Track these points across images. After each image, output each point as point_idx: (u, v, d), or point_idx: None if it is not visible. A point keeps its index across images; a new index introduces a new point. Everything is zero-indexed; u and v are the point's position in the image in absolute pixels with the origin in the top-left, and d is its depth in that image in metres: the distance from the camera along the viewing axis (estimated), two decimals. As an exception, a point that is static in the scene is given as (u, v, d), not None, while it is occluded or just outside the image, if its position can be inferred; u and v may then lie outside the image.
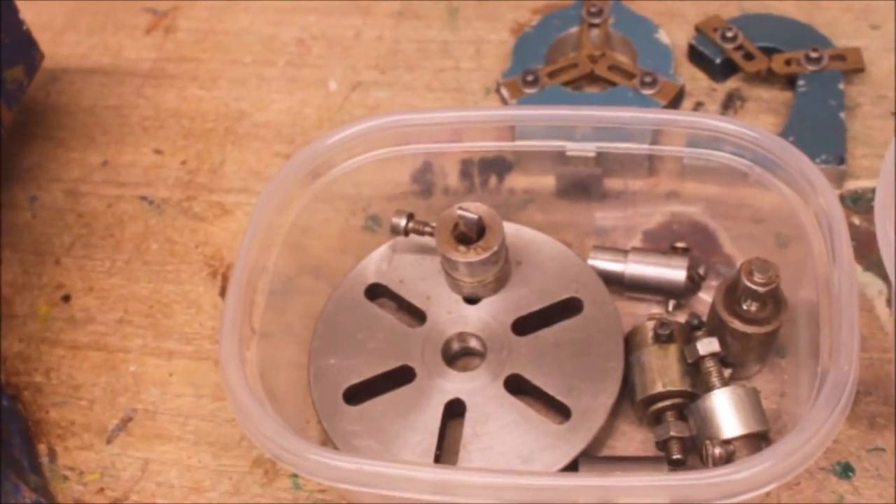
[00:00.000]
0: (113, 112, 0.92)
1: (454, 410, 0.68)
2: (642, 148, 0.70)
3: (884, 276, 0.73)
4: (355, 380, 0.69)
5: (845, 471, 0.66)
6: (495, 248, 0.68)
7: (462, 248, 0.68)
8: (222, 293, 0.79)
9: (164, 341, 0.77)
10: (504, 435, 0.66)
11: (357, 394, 0.69)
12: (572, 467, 0.65)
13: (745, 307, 0.65)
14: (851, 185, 0.79)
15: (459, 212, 0.68)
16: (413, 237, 0.72)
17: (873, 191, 0.76)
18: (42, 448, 0.73)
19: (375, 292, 0.73)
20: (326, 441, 0.68)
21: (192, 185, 0.85)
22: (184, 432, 0.73)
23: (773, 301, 0.66)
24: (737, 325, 0.65)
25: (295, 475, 0.70)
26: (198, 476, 0.71)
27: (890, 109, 0.83)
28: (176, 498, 0.70)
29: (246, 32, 0.96)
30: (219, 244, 0.82)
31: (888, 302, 0.73)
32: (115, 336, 0.78)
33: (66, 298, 0.80)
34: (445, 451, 0.68)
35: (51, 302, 0.80)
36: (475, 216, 0.68)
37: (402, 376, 0.69)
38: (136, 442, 0.73)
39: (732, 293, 0.66)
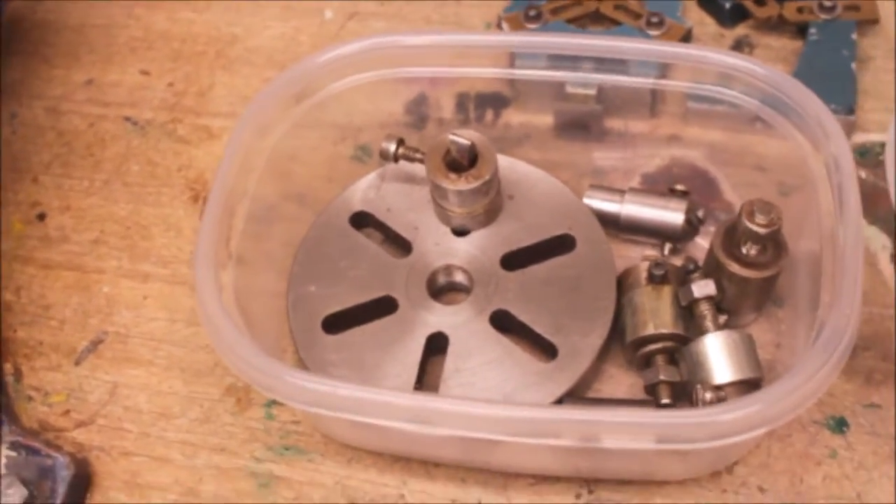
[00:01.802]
0: (101, 31, 0.89)
1: (436, 345, 0.65)
2: (647, 82, 0.68)
3: (889, 231, 0.71)
4: (335, 308, 0.66)
5: (839, 425, 0.64)
6: (487, 177, 0.65)
7: (453, 175, 0.65)
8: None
9: (140, 264, 0.75)
10: (487, 371, 0.63)
11: (336, 323, 0.66)
12: (556, 407, 0.63)
13: (744, 250, 0.63)
14: (860, 137, 0.76)
15: (451, 137, 0.65)
16: (403, 165, 0.69)
17: (882, 145, 0.75)
18: (7, 367, 0.71)
19: (361, 221, 0.71)
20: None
21: (178, 108, 0.83)
22: (155, 357, 0.70)
23: (774, 245, 0.63)
24: (735, 268, 0.63)
25: (268, 405, 0.67)
26: (167, 402, 0.68)
27: (903, 64, 0.80)
28: (144, 423, 0.68)
29: (241, -43, 0.93)
30: (202, 168, 0.79)
31: (892, 257, 0.70)
32: (89, 256, 0.75)
33: (42, 217, 0.78)
34: (425, 385, 0.65)
35: (25, 220, 0.78)
36: (468, 142, 0.65)
37: (384, 307, 0.67)
38: (105, 365, 0.70)
39: (732, 235, 0.63)
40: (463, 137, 0.65)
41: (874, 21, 0.80)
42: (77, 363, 0.70)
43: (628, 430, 0.53)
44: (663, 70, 0.67)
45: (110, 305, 0.73)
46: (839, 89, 0.76)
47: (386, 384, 0.63)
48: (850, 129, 0.75)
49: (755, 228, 0.61)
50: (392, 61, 0.69)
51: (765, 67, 0.65)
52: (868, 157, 0.75)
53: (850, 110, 0.75)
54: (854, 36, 0.79)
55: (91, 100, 0.84)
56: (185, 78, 0.84)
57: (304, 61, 0.68)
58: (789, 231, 0.63)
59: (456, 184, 0.65)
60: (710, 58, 0.66)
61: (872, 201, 0.72)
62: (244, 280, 0.63)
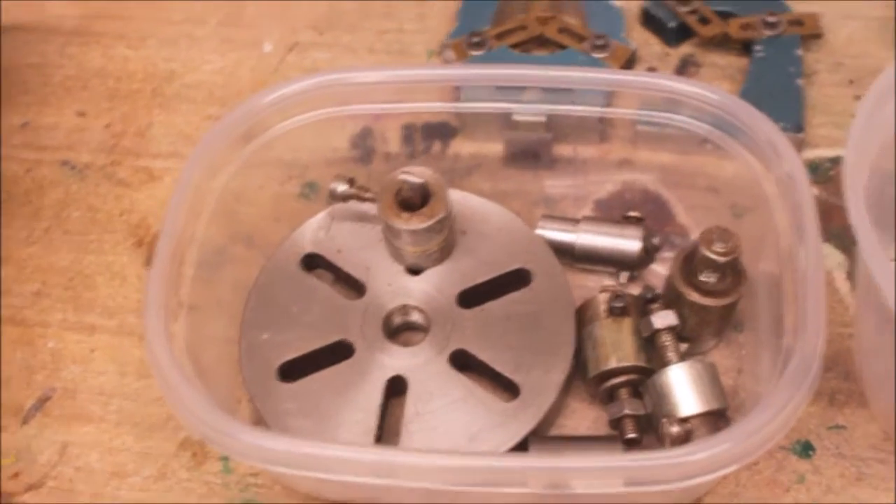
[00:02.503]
0: (34, 71, 0.86)
1: (396, 388, 0.64)
2: (594, 111, 0.67)
3: (843, 248, 0.71)
4: (290, 355, 0.65)
5: (805, 449, 0.64)
6: (441, 215, 0.64)
7: (405, 214, 0.64)
8: (148, 264, 0.74)
9: (86, 315, 0.73)
10: (449, 413, 0.62)
11: (292, 370, 0.65)
12: (521, 447, 0.61)
13: (703, 278, 0.62)
14: (809, 154, 0.76)
15: (403, 176, 0.64)
16: (353, 204, 0.68)
17: (832, 160, 0.75)
18: (-48, 429, 0.68)
19: (312, 263, 0.69)
20: (259, 421, 0.64)
21: (118, 150, 0.81)
22: (106, 412, 0.68)
23: (733, 272, 0.62)
24: (694, 297, 0.62)
25: (225, 458, 0.65)
26: (120, 459, 0.66)
27: (848, 77, 0.80)
28: (96, 483, 0.65)
29: (176, -10, 0.91)
30: (145, 212, 0.77)
31: (847, 275, 0.70)
32: (32, 310, 0.73)
33: (-20, 269, 0.75)
34: (386, 431, 0.64)
35: (-37, 273, 0.75)
36: (420, 181, 0.64)
37: (340, 351, 0.65)
38: (53, 423, 0.68)
39: (690, 264, 0.63)
40: (414, 175, 0.64)
41: (818, 35, 0.80)
42: (25, 422, 0.68)
43: (596, 475, 0.52)
44: (610, 97, 0.67)
45: (56, 360, 0.71)
46: (787, 107, 0.75)
47: (345, 432, 0.62)
48: (799, 147, 0.75)
49: (714, 257, 0.60)
50: (337, 99, 0.68)
51: (712, 90, 0.64)
52: (819, 173, 0.74)
53: (799, 127, 0.74)
54: (799, 51, 0.79)
55: (27, 144, 0.82)
56: (122, 118, 0.82)
57: (250, 101, 0.67)
58: (746, 252, 0.62)
59: (409, 223, 0.64)
60: (656, 84, 0.66)
61: (826, 218, 0.71)
62: (196, 328, 0.61)
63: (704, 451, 0.51)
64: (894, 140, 0.61)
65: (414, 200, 0.64)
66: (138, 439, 0.67)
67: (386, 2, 0.88)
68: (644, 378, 0.62)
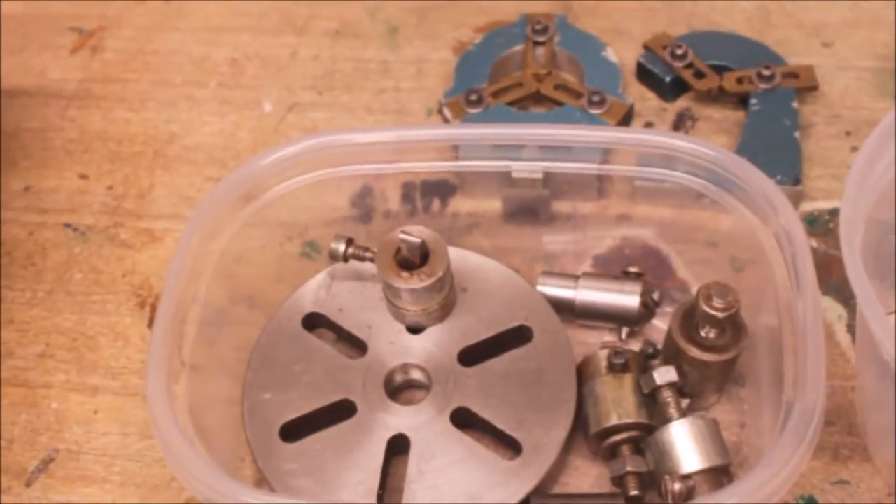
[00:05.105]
0: (35, 135, 0.87)
1: (398, 447, 0.64)
2: (592, 168, 0.67)
3: (843, 300, 0.71)
4: (292, 415, 0.65)
5: (809, 505, 0.64)
6: (440, 273, 0.64)
7: (405, 274, 0.65)
8: (151, 325, 0.74)
9: (89, 376, 0.73)
10: (451, 472, 0.62)
11: (294, 430, 0.65)
12: (524, 506, 0.61)
13: (703, 334, 0.62)
14: (807, 206, 0.76)
15: (402, 236, 0.64)
16: (353, 263, 0.68)
17: (830, 212, 0.75)
18: (-44, 494, 0.68)
19: (313, 322, 0.69)
20: (262, 481, 0.64)
21: (119, 211, 0.81)
22: (109, 473, 0.68)
23: (733, 327, 0.63)
24: (695, 352, 0.62)
25: (229, 518, 0.65)
26: (124, 521, 0.66)
27: (844, 129, 0.80)
28: (100, 545, 0.66)
29: (176, 53, 0.92)
30: (147, 273, 0.77)
31: (848, 327, 0.70)
32: (35, 371, 0.73)
33: (-16, 332, 0.76)
34: (389, 490, 0.64)
35: (-33, 336, 0.76)
36: (418, 240, 0.64)
37: (342, 411, 0.65)
38: (57, 484, 0.68)
39: (690, 319, 0.63)
40: (413, 235, 0.64)
41: (813, 88, 0.81)
42: (28, 485, 0.68)
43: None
44: (607, 153, 0.67)
45: (60, 422, 0.71)
46: (784, 159, 0.76)
47: (348, 492, 0.62)
48: (797, 199, 0.75)
49: (713, 312, 0.61)
50: (335, 159, 0.68)
51: (707, 146, 0.65)
52: (817, 225, 0.75)
53: (797, 180, 0.75)
54: (795, 104, 0.79)
55: (30, 207, 0.82)
56: (124, 180, 0.83)
57: (249, 163, 0.67)
58: (746, 306, 0.63)
59: (409, 282, 0.64)
60: (652, 140, 0.66)
61: (825, 270, 0.72)
62: (198, 388, 0.62)
63: (709, 509, 0.51)
64: (893, 189, 0.61)
65: (413, 260, 0.65)
66: (142, 500, 0.67)
67: (383, 62, 0.88)
68: (646, 435, 0.62)
